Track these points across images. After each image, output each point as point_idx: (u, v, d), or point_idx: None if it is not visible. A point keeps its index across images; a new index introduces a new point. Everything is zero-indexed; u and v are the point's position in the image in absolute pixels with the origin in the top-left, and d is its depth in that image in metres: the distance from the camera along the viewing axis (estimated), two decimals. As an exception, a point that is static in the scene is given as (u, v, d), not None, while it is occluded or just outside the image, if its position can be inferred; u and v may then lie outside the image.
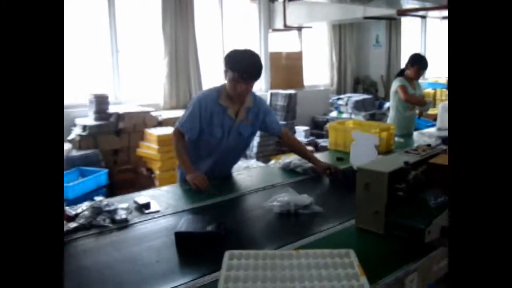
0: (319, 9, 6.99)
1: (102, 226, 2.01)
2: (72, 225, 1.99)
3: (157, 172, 5.06)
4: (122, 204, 2.17)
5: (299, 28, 8.00)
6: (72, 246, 1.86)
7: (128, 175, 5.19)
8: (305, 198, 2.13)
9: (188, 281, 1.51)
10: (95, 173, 4.61)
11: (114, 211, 2.10)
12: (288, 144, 2.89)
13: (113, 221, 2.05)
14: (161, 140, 4.95)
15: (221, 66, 6.54)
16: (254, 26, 7.53)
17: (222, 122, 2.58)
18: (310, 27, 8.01)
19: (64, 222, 2.00)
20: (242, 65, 2.45)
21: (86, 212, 2.08)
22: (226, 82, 2.57)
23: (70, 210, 2.13)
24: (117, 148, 5.27)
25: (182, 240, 1.80)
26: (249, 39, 7.47)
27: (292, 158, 2.89)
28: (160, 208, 2.23)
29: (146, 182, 5.23)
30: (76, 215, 2.10)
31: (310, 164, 2.77)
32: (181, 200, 2.39)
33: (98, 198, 2.20)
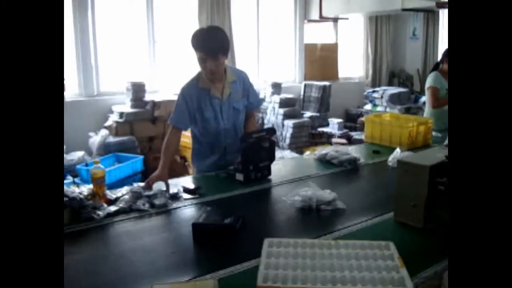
0: (356, 0, 6.90)
1: (141, 210, 2.06)
2: (113, 208, 2.05)
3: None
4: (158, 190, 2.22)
5: (335, 20, 7.91)
6: (112, 228, 1.92)
7: (163, 163, 5.26)
8: (327, 194, 2.09)
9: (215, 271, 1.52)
10: (131, 159, 4.70)
11: (154, 196, 2.15)
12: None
13: (152, 205, 2.10)
14: (196, 128, 4.99)
15: (254, 57, 6.49)
16: (290, 17, 7.49)
17: (210, 104, 2.59)
18: (347, 18, 7.91)
19: (105, 205, 2.06)
20: (202, 42, 2.44)
21: (126, 196, 2.14)
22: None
23: (110, 194, 2.19)
24: (152, 136, 5.36)
25: (198, 231, 1.79)
26: (284, 30, 7.44)
27: (328, 150, 2.88)
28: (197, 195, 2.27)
29: (180, 169, 5.30)
30: (116, 199, 2.16)
31: (346, 156, 2.75)
32: (218, 188, 2.41)
33: (138, 184, 2.24)
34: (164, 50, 6.11)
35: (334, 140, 6.39)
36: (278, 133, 6.30)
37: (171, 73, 6.20)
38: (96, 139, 5.09)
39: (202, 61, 2.48)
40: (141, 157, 4.83)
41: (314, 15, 7.42)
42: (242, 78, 2.73)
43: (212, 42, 2.45)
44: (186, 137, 5.06)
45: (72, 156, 4.82)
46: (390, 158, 2.78)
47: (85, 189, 2.12)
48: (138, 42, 5.95)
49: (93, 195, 2.09)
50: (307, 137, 6.50)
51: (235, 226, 1.80)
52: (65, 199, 1.97)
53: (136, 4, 5.88)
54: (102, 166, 2.15)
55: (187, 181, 2.48)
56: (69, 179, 4.39)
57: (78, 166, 4.57)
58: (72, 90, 5.47)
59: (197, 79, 2.62)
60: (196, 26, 6.08)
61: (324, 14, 7.30)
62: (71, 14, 5.39)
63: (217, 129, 2.64)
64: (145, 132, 5.28)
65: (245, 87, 2.74)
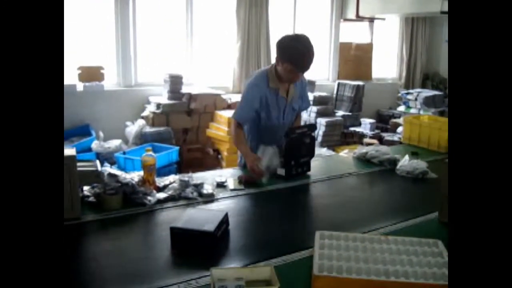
0: (393, 0, 6.85)
1: (190, 198, 2.13)
2: (162, 195, 2.12)
3: (224, 153, 5.19)
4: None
5: (371, 19, 7.87)
6: (162, 215, 1.99)
7: (196, 154, 5.35)
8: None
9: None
10: (167, 149, 4.79)
11: (201, 185, 2.21)
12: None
13: (200, 194, 2.16)
14: (231, 122, 5.05)
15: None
16: (326, 15, 7.48)
17: (277, 104, 2.62)
18: (383, 19, 7.87)
19: (154, 191, 2.13)
20: (307, 64, 2.44)
21: (175, 184, 2.20)
22: (272, 65, 2.64)
23: (158, 181, 2.26)
24: (187, 127, 5.44)
25: (176, 236, 1.66)
26: (320, 28, 7.44)
27: (368, 149, 2.91)
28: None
29: (213, 162, 5.38)
30: (164, 186, 2.24)
31: (386, 156, 2.77)
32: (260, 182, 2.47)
33: (188, 174, 2.31)
34: (202, 44, 6.19)
35: (365, 140, 6.37)
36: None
37: (207, 67, 6.27)
38: (133, 128, 5.19)
39: (292, 73, 2.48)
40: (177, 148, 4.92)
41: (351, 14, 7.39)
42: (301, 80, 2.75)
43: (311, 60, 2.46)
44: (221, 130, 5.16)
45: (110, 144, 4.94)
46: (398, 166, 2.66)
47: (136, 175, 2.19)
48: (177, 35, 6.04)
49: (143, 181, 2.16)
50: (339, 136, 6.50)
51: (215, 234, 1.63)
52: (118, 184, 2.05)
53: (176, -3, 5.97)
54: (153, 154, 2.22)
55: (240, 173, 2.53)
56: (106, 165, 4.50)
57: (116, 154, 4.68)
58: (111, 79, 5.59)
59: (266, 77, 2.61)
60: (233, 20, 6.15)
61: (361, 13, 7.27)
62: (113, 5, 5.51)
63: (278, 127, 2.67)
64: (181, 124, 5.37)
65: (302, 89, 2.79)
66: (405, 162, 2.66)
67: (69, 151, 1.91)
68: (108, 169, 2.19)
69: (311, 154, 2.62)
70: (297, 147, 2.50)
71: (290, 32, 6.88)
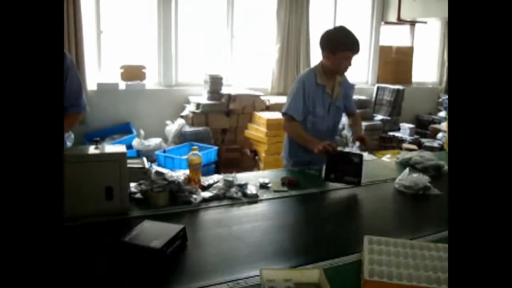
0: (435, 4, 6.73)
1: (234, 198, 2.14)
2: (207, 194, 2.14)
3: (263, 154, 5.20)
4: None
5: (413, 23, 7.76)
6: (207, 213, 2.02)
7: (234, 155, 5.38)
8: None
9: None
10: (206, 149, 4.83)
11: (245, 185, 2.23)
12: (352, 124, 3.03)
13: (244, 194, 2.18)
14: (270, 124, 5.07)
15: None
16: (367, 18, 7.41)
17: (322, 101, 2.71)
18: (425, 22, 7.74)
19: (199, 190, 2.16)
20: (350, 41, 2.60)
21: (219, 184, 2.23)
22: (319, 62, 2.75)
23: (203, 180, 2.29)
24: (226, 128, 5.48)
25: (125, 250, 1.55)
26: (360, 30, 7.37)
27: (412, 154, 2.87)
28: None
29: (250, 163, 5.40)
30: (209, 185, 2.26)
31: (431, 162, 2.73)
32: (310, 183, 2.47)
33: (231, 174, 2.32)
34: (242, 45, 6.23)
35: (404, 145, 6.29)
36: (349, 134, 6.28)
37: (247, 68, 6.30)
38: (172, 127, 5.27)
39: (346, 59, 2.62)
40: (216, 147, 4.96)
41: (392, 17, 7.30)
42: (346, 80, 2.88)
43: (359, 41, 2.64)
44: (260, 131, 5.18)
45: (150, 142, 5.03)
46: (397, 179, 2.46)
47: (182, 174, 2.22)
48: (217, 35, 6.09)
49: (188, 180, 2.19)
50: (378, 140, 6.43)
51: (164, 251, 1.50)
52: (165, 182, 2.08)
53: (217, -1, 6.03)
54: (199, 153, 2.24)
55: (283, 174, 2.53)
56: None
57: (156, 152, 4.76)
58: (152, 79, 5.69)
59: (314, 74, 2.72)
60: (274, 22, 6.16)
61: (402, 16, 7.17)
62: (156, 6, 5.60)
63: (322, 125, 2.74)
64: (219, 124, 5.41)
65: (347, 88, 2.88)
66: (405, 175, 2.45)
67: (119, 147, 1.96)
68: (155, 166, 2.22)
69: (357, 176, 2.40)
70: (341, 163, 2.41)
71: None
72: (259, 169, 5.16)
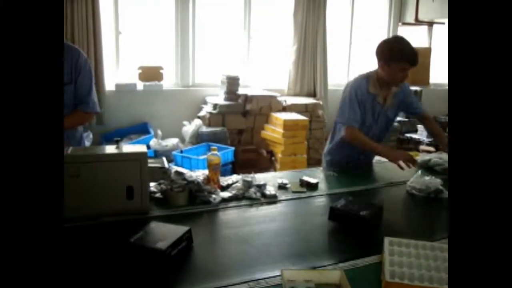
0: (454, 5, 6.66)
1: (253, 199, 2.15)
2: (226, 194, 2.15)
3: (279, 155, 5.20)
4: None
5: (430, 24, 7.69)
6: (225, 214, 2.03)
7: (250, 155, 5.39)
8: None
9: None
10: (223, 149, 4.85)
11: (264, 186, 2.23)
12: (428, 127, 2.95)
13: (263, 195, 2.18)
14: (287, 124, 5.07)
15: (345, 58, 6.40)
16: (384, 19, 7.36)
17: (372, 109, 2.64)
18: (443, 23, 7.66)
19: (218, 190, 2.17)
20: (409, 53, 2.52)
21: (238, 184, 2.24)
22: (373, 71, 2.66)
23: (222, 181, 2.30)
24: (242, 128, 5.49)
25: (130, 251, 1.56)
26: (377, 31, 7.33)
27: (432, 156, 2.85)
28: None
29: (266, 163, 5.41)
30: (227, 185, 2.27)
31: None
32: (328, 185, 2.48)
33: (250, 175, 2.33)
34: (258, 46, 6.24)
35: (422, 147, 6.23)
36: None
37: (263, 69, 6.31)
38: (189, 128, 5.30)
39: (401, 70, 2.54)
40: (233, 148, 4.98)
41: (410, 18, 7.25)
42: (404, 89, 2.77)
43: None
44: (276, 132, 5.18)
45: (167, 142, 5.06)
46: (409, 182, 2.41)
47: (201, 174, 2.24)
48: (234, 36, 6.11)
49: (208, 180, 2.21)
50: (395, 141, 6.39)
51: (168, 252, 1.51)
52: (184, 182, 2.10)
53: (235, 0, 6.04)
54: (218, 154, 2.26)
55: (301, 175, 2.52)
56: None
57: (173, 152, 4.79)
58: (169, 79, 5.73)
59: (367, 81, 2.65)
60: (291, 23, 6.16)
61: (420, 17, 7.11)
62: (174, 7, 5.64)
63: (368, 134, 2.70)
64: (236, 125, 5.43)
65: (404, 98, 2.78)
66: (417, 178, 2.41)
67: (140, 147, 1.98)
68: (174, 166, 2.24)
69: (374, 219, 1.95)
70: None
71: (347, 36, 6.89)
72: (275, 170, 5.16)
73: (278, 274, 1.40)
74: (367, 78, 2.66)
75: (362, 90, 2.62)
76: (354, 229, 1.83)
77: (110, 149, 1.92)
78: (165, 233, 1.59)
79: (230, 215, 2.00)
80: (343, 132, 2.67)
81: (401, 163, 2.49)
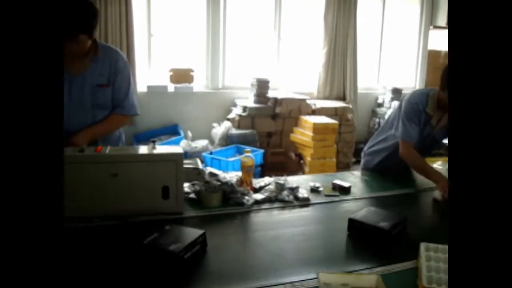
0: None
1: (286, 201, 2.16)
2: (259, 196, 2.16)
3: (308, 158, 5.19)
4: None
5: (463, 27, 7.56)
6: (258, 216, 2.04)
7: (279, 158, 5.40)
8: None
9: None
10: (252, 152, 4.87)
11: (296, 189, 2.24)
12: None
13: (296, 198, 2.19)
14: (316, 128, 5.07)
15: (376, 61, 6.33)
16: (415, 22, 7.28)
17: (423, 129, 2.53)
18: (476, 26, 7.53)
19: (251, 192, 2.18)
20: None
21: (271, 187, 2.24)
22: (436, 91, 2.51)
23: (254, 183, 2.31)
24: (271, 131, 5.51)
25: (145, 253, 1.55)
26: (408, 34, 7.26)
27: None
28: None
29: (294, 167, 5.41)
30: (260, 187, 2.28)
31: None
32: (361, 189, 2.47)
33: (283, 177, 2.34)
34: (289, 49, 6.25)
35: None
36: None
37: (292, 71, 6.32)
38: (219, 130, 5.34)
39: None
40: (262, 150, 4.99)
41: (441, 21, 7.15)
42: None
43: None
44: (306, 135, 5.17)
45: (197, 144, 5.11)
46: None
47: (234, 175, 2.26)
48: (265, 39, 6.14)
49: (241, 182, 2.22)
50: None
51: (179, 255, 1.49)
52: (218, 183, 2.12)
53: (265, 2, 6.06)
54: (252, 156, 2.27)
55: (332, 179, 2.51)
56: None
57: (203, 154, 4.83)
58: (200, 82, 5.79)
59: (427, 100, 2.51)
60: (321, 26, 6.15)
61: (453, 20, 7.01)
62: (205, 10, 5.70)
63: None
64: (265, 128, 5.45)
65: None
66: None
67: (176, 148, 2.01)
68: (208, 168, 2.27)
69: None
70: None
71: (377, 38, 6.84)
72: (303, 173, 5.16)
73: (307, 277, 1.40)
74: (427, 96, 2.52)
75: (419, 107, 2.50)
76: (374, 240, 1.76)
77: (146, 149, 1.95)
78: (179, 235, 1.59)
79: (263, 217, 2.01)
80: (400, 149, 2.57)
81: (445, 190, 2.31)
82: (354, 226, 1.82)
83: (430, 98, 2.50)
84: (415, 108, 2.50)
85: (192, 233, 1.62)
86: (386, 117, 6.56)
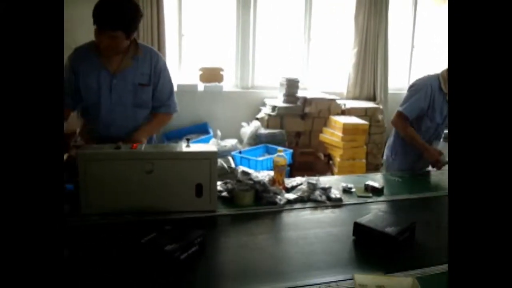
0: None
1: (318, 201, 2.15)
2: (291, 196, 2.17)
3: (337, 159, 5.16)
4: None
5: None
6: (290, 215, 2.04)
7: (308, 158, 5.37)
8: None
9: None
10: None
11: (329, 189, 2.23)
12: None
13: (329, 198, 2.18)
14: (346, 128, 5.02)
15: (407, 61, 6.21)
16: (445, 27, 7.15)
17: (441, 108, 2.65)
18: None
19: (283, 191, 2.18)
20: None
21: (303, 186, 2.24)
22: (444, 70, 2.71)
23: (286, 182, 2.31)
24: (300, 131, 5.49)
25: (142, 252, 1.56)
26: (440, 35, 7.14)
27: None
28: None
29: (323, 167, 5.38)
30: (292, 187, 2.28)
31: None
32: (393, 190, 2.44)
33: (315, 177, 2.33)
34: (318, 48, 6.22)
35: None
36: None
37: (322, 71, 6.29)
38: (248, 129, 5.35)
39: None
40: (291, 150, 4.98)
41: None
42: None
43: None
44: (335, 135, 5.14)
45: (226, 143, 5.13)
46: None
47: (266, 175, 2.26)
48: (294, 39, 6.13)
49: (273, 181, 2.23)
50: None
51: (175, 255, 1.49)
52: (251, 182, 2.13)
53: (295, 2, 6.05)
54: (284, 155, 2.28)
55: (364, 180, 2.50)
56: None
57: (233, 153, 4.85)
58: (229, 81, 5.81)
59: (439, 80, 2.71)
60: (352, 26, 6.10)
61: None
62: (235, 9, 5.72)
63: (436, 129, 2.79)
64: (294, 127, 5.43)
65: None
66: None
67: (211, 146, 2.03)
68: (240, 166, 2.28)
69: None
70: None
71: (409, 39, 6.75)
72: (332, 174, 5.14)
73: (340, 278, 1.40)
74: (438, 77, 2.71)
75: (434, 87, 2.67)
76: (380, 246, 1.70)
77: (181, 147, 1.97)
78: (177, 236, 1.58)
79: (295, 217, 2.01)
80: (394, 118, 2.80)
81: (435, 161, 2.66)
82: (360, 230, 1.77)
83: (442, 77, 2.68)
84: (429, 89, 2.66)
85: (190, 234, 1.61)
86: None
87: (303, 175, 2.44)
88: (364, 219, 1.79)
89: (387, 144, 3.08)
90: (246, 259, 1.61)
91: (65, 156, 2.13)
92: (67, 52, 2.39)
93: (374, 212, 1.91)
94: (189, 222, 1.88)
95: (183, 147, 1.97)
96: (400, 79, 6.71)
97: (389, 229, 1.69)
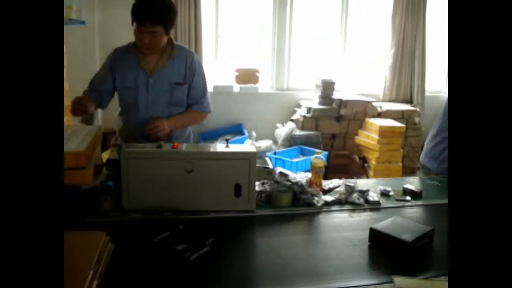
0: None
1: (356, 204, 2.15)
2: (329, 198, 2.17)
3: (373, 162, 5.12)
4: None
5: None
6: (327, 217, 2.04)
7: (343, 160, 5.35)
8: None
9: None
10: (316, 153, 4.86)
11: (367, 192, 2.22)
12: None
13: (366, 201, 2.17)
14: (383, 131, 4.98)
15: (445, 63, 6.11)
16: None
17: None
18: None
19: (321, 193, 2.18)
20: None
21: (340, 189, 2.24)
22: None
23: (324, 184, 2.31)
24: (335, 133, 5.47)
25: (155, 251, 1.57)
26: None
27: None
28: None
29: (358, 170, 5.34)
30: (329, 189, 2.28)
31: None
32: (431, 194, 2.40)
33: (352, 180, 2.33)
34: (355, 50, 6.18)
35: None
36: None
37: (358, 72, 6.25)
38: (282, 130, 5.36)
39: None
40: (326, 152, 4.97)
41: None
42: None
43: None
44: (371, 138, 5.10)
45: (261, 144, 5.16)
46: None
47: (303, 176, 2.27)
48: (330, 40, 6.11)
49: (310, 183, 2.23)
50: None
51: (185, 256, 1.50)
52: (289, 183, 2.14)
53: (332, 3, 6.03)
54: (322, 157, 2.28)
55: (401, 183, 2.47)
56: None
57: (267, 154, 4.87)
58: (265, 82, 5.84)
59: None
60: (388, 27, 6.04)
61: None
62: (272, 11, 5.75)
63: None
64: (329, 129, 5.42)
65: None
66: None
67: (250, 147, 2.06)
68: (278, 167, 2.29)
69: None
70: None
71: (446, 41, 6.62)
72: (367, 177, 5.10)
73: (373, 282, 1.40)
74: None
75: None
76: (395, 253, 1.66)
77: (221, 147, 2.00)
78: (189, 237, 1.59)
79: (333, 219, 2.01)
80: None
81: None
82: (375, 236, 1.73)
83: None
84: None
85: (202, 235, 1.61)
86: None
87: (338, 178, 2.43)
88: (380, 225, 1.76)
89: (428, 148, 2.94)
90: (283, 259, 1.63)
91: (107, 155, 2.19)
92: (108, 52, 2.49)
93: (393, 218, 1.87)
94: (228, 221, 1.91)
95: (222, 147, 2.00)
96: (437, 82, 6.59)
97: (405, 236, 1.66)
